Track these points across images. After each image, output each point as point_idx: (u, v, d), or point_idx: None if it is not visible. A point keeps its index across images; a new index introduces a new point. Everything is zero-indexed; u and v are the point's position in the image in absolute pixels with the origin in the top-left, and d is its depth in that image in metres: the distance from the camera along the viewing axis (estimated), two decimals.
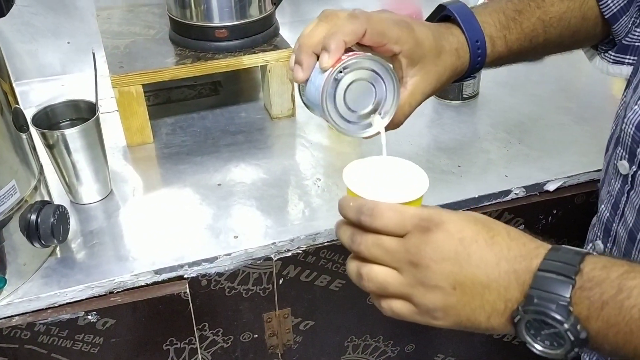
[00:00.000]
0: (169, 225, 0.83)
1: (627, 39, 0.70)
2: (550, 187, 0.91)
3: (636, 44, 0.71)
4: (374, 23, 0.53)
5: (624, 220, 0.60)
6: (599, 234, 0.66)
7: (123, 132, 0.98)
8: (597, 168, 0.92)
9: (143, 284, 0.76)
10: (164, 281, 0.77)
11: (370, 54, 0.52)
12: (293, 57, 0.55)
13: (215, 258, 0.78)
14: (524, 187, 0.89)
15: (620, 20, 0.67)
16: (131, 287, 0.76)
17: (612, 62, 0.73)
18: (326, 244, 0.82)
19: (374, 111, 0.54)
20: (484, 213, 0.88)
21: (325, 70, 0.51)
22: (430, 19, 0.66)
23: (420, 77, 0.57)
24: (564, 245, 0.46)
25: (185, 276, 0.78)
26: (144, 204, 0.87)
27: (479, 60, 0.62)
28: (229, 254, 0.79)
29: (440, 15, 0.64)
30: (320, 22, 0.54)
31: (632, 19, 0.68)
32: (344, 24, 0.52)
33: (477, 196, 0.87)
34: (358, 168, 0.54)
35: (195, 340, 0.81)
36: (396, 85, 0.54)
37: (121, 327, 0.76)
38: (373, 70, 0.53)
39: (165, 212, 0.85)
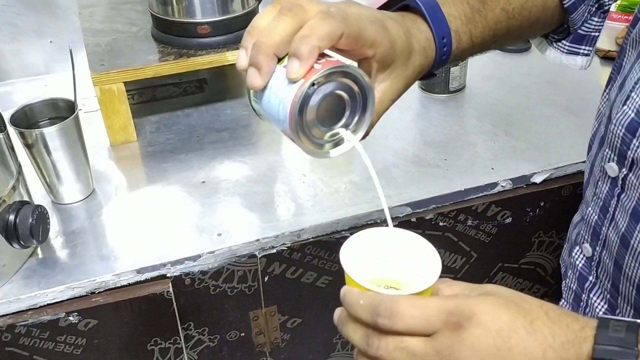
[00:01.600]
0: (152, 224, 0.82)
1: (582, 28, 0.69)
2: (537, 179, 0.90)
3: (592, 34, 0.69)
4: (351, 24, 0.46)
5: (615, 224, 0.59)
6: (586, 237, 0.65)
7: (105, 130, 0.97)
8: (584, 159, 0.91)
9: (125, 283, 0.75)
10: (146, 280, 0.76)
11: (347, 64, 0.47)
12: (244, 54, 0.46)
13: (199, 256, 0.77)
14: (510, 179, 0.89)
15: (579, 9, 0.66)
16: (113, 287, 0.75)
17: (566, 53, 0.71)
18: (311, 240, 0.82)
19: (344, 126, 0.49)
20: (470, 206, 0.90)
21: (294, 82, 0.44)
22: (388, 6, 0.58)
23: (389, 82, 0.52)
24: (610, 318, 0.41)
25: (169, 275, 0.77)
26: (127, 203, 0.86)
27: (443, 58, 0.57)
28: (213, 252, 0.78)
29: (401, 4, 0.57)
30: (282, 15, 0.45)
31: (589, 7, 0.67)
32: (318, 26, 0.44)
33: (463, 189, 0.86)
34: (355, 248, 0.49)
35: (181, 340, 0.80)
36: (371, 98, 0.49)
37: (104, 328, 0.75)
38: (350, 83, 0.47)
39: (148, 211, 0.84)
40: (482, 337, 0.39)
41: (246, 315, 0.85)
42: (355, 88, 0.48)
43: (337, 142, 0.50)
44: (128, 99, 1.05)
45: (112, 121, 0.96)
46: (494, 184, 0.88)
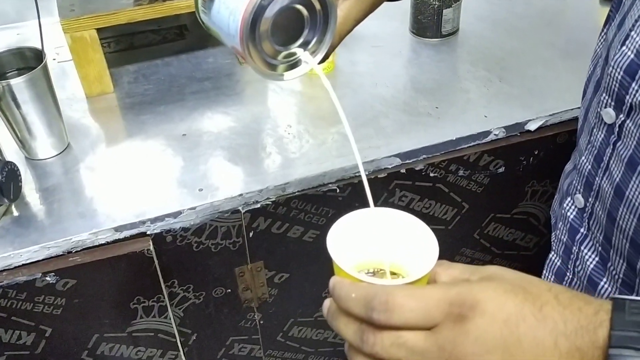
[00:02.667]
0: (130, 179, 0.79)
1: None
2: (532, 126, 0.86)
3: None
4: None
5: (609, 174, 0.56)
6: (578, 187, 0.62)
7: (80, 81, 0.92)
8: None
9: (103, 242, 0.72)
10: (125, 239, 0.73)
11: None
12: None
13: (179, 212, 0.74)
14: (504, 127, 0.85)
15: None
16: (90, 245, 0.72)
17: None
18: (297, 193, 0.79)
19: (302, 46, 0.45)
20: (462, 156, 0.86)
21: None
22: None
23: (354, 1, 0.48)
24: (626, 299, 0.37)
25: (149, 232, 0.74)
26: (104, 158, 0.82)
27: None
28: (194, 208, 0.74)
29: None
30: None
31: None
32: None
33: (455, 138, 0.83)
34: (343, 233, 0.45)
35: (164, 298, 0.78)
36: (334, 15, 0.45)
37: (83, 288, 0.73)
38: None
39: (126, 166, 0.81)
40: (487, 327, 0.36)
41: (232, 271, 0.83)
42: (316, 3, 0.43)
43: (294, 64, 0.46)
44: (103, 47, 1.00)
45: (86, 71, 0.91)
46: (487, 133, 0.85)
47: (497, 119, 0.86)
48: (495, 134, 0.85)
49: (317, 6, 0.43)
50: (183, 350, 0.88)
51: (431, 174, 0.84)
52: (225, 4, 0.42)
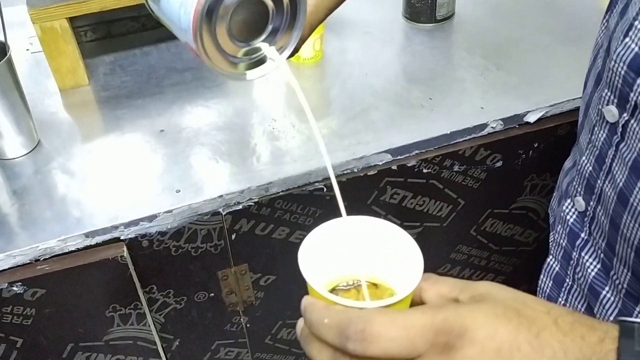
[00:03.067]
0: (104, 180, 0.74)
1: None
2: (531, 118, 0.81)
3: None
4: None
5: (612, 177, 0.51)
6: (579, 189, 0.57)
7: (52, 74, 0.87)
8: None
9: (73, 249, 0.68)
10: (97, 245, 0.69)
11: None
12: None
13: (155, 216, 0.69)
14: (501, 119, 0.80)
15: None
16: (60, 253, 0.67)
17: None
18: (281, 193, 0.74)
19: (267, 41, 0.40)
20: (456, 151, 0.81)
21: None
22: None
23: None
24: (635, 322, 0.33)
25: (122, 238, 0.69)
26: (76, 157, 0.77)
27: None
28: (170, 211, 0.70)
29: None
30: None
31: None
32: None
33: (449, 132, 0.78)
34: (316, 246, 0.40)
35: (142, 305, 0.74)
36: (303, 5, 0.39)
37: (54, 297, 0.69)
38: None
39: (100, 166, 0.76)
40: (477, 358, 0.32)
41: (214, 275, 0.79)
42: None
43: (257, 61, 0.40)
44: (80, 35, 0.95)
45: (58, 63, 0.86)
46: (483, 126, 0.80)
47: (494, 110, 0.81)
48: (492, 127, 0.80)
49: None
50: (166, 356, 0.84)
51: (424, 170, 0.79)
52: None
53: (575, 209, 0.58)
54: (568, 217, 0.59)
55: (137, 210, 0.70)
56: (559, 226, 0.61)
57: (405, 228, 0.81)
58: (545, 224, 0.96)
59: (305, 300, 0.37)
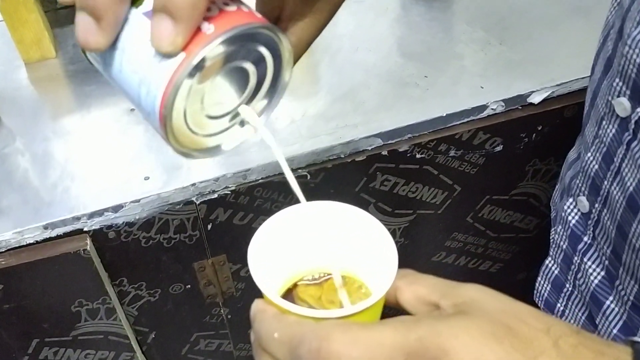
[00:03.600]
0: (67, 164, 0.68)
1: None
2: (535, 98, 0.75)
3: None
4: None
5: (621, 180, 0.44)
6: (583, 188, 0.51)
7: (15, 46, 0.80)
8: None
9: (31, 241, 0.62)
10: (58, 237, 0.63)
11: (257, 21, 0.30)
12: None
13: (121, 206, 0.64)
14: (502, 100, 0.73)
15: None
16: (16, 246, 0.62)
17: None
18: (260, 181, 0.68)
19: (244, 103, 0.33)
20: (453, 135, 0.75)
21: (172, 56, 0.28)
22: None
23: (309, 19, 0.35)
24: None
25: (86, 229, 0.64)
26: (37, 138, 0.71)
27: None
28: (138, 201, 0.64)
29: None
30: None
31: None
32: None
33: (445, 115, 0.71)
34: (271, 239, 0.36)
35: (111, 300, 0.69)
36: (287, 61, 0.32)
37: (12, 293, 0.63)
38: (258, 48, 0.31)
39: (63, 149, 0.70)
40: None
41: (190, 266, 0.73)
42: (266, 52, 0.31)
43: (231, 127, 0.34)
44: (47, 3, 0.87)
45: (20, 34, 0.79)
46: (483, 107, 0.73)
47: (495, 90, 0.74)
48: (492, 109, 0.73)
49: (267, 54, 0.31)
50: (141, 349, 0.80)
51: (417, 155, 0.73)
52: (131, 64, 0.29)
53: (578, 210, 0.52)
54: (570, 217, 0.53)
55: (102, 199, 0.64)
56: (560, 226, 0.55)
57: (397, 216, 0.75)
58: (547, 210, 0.90)
59: (255, 307, 0.32)
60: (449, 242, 0.88)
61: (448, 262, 0.91)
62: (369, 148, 0.70)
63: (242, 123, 0.34)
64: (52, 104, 0.76)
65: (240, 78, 0.31)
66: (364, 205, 0.75)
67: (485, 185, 0.82)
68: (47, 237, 0.62)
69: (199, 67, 0.28)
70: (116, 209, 0.63)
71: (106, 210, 0.63)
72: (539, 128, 0.77)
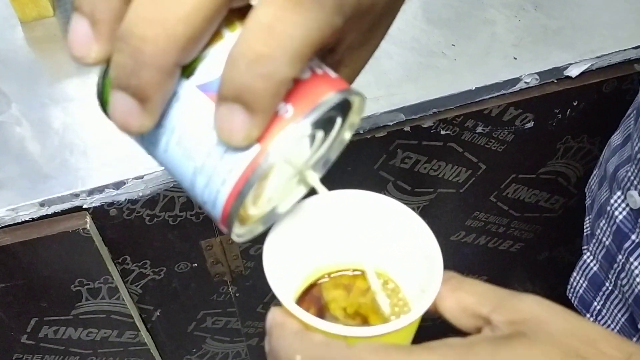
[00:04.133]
0: (65, 136, 0.63)
1: None
2: (573, 71, 0.69)
3: None
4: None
5: None
6: (635, 181, 0.46)
7: (10, 3, 0.74)
8: (638, 44, 0.69)
9: (27, 219, 0.58)
10: (55, 214, 0.59)
11: (342, 89, 0.24)
12: (88, 37, 0.23)
13: (123, 183, 0.59)
14: (537, 73, 0.67)
15: None
16: (11, 223, 0.58)
17: None
18: None
19: (306, 167, 0.30)
20: (481, 110, 0.69)
21: (243, 149, 0.23)
22: None
23: (368, 47, 0.30)
24: None
25: (85, 207, 0.59)
26: (32, 106, 0.66)
27: None
28: (141, 177, 0.59)
29: None
30: None
31: None
32: (290, 18, 0.21)
33: (474, 88, 0.66)
34: (288, 238, 0.31)
35: (113, 279, 0.65)
36: (352, 122, 0.29)
37: (8, 272, 0.60)
38: (334, 114, 0.27)
39: (61, 118, 0.65)
40: None
41: (197, 244, 0.69)
42: (336, 114, 0.27)
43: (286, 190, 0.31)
44: None
45: None
46: (515, 80, 0.67)
47: (530, 62, 0.68)
48: (526, 82, 0.67)
49: (335, 116, 0.28)
50: (146, 327, 0.77)
51: (442, 132, 0.67)
52: (180, 147, 0.24)
53: (627, 205, 0.47)
54: (617, 212, 0.48)
55: (102, 175, 0.59)
56: (603, 221, 0.50)
57: (416, 195, 0.69)
58: (576, 190, 0.85)
59: (271, 319, 0.27)
60: (469, 222, 0.83)
61: (467, 241, 0.86)
62: (390, 123, 0.65)
63: (300, 181, 0.30)
64: (50, 66, 0.71)
65: (305, 144, 0.28)
66: (382, 183, 0.70)
67: (512, 164, 0.76)
68: (44, 214, 0.58)
69: (272, 157, 0.23)
70: (118, 185, 0.59)
71: (107, 186, 0.59)
72: (574, 104, 0.71)
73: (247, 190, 0.24)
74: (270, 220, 0.31)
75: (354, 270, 0.35)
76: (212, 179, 0.24)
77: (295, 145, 0.24)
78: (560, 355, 0.23)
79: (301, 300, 0.34)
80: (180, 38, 0.21)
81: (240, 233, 0.29)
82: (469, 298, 0.27)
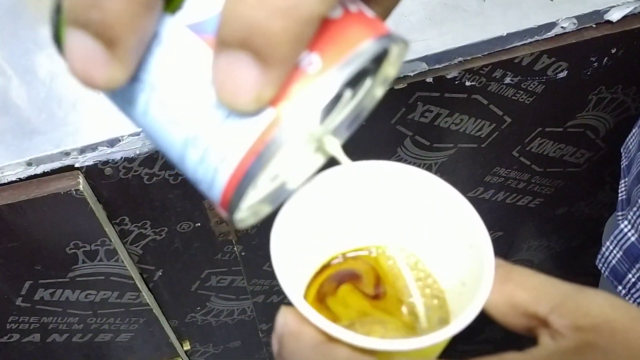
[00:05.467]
0: (50, 86, 0.57)
1: None
2: (615, 15, 0.62)
3: None
4: None
5: None
6: None
7: None
8: None
9: (14, 179, 0.53)
10: (45, 174, 0.54)
11: (377, 37, 0.19)
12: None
13: (118, 140, 0.54)
14: (575, 17, 0.61)
15: None
16: None
17: None
18: None
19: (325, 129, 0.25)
20: (512, 58, 0.63)
21: (252, 114, 0.18)
22: None
23: None
24: None
25: (77, 165, 0.54)
26: (17, 52, 0.60)
27: None
28: (137, 134, 0.54)
29: None
30: None
31: None
32: None
33: (505, 34, 0.59)
34: (300, 220, 0.27)
35: (111, 241, 0.61)
36: (385, 76, 0.25)
37: None
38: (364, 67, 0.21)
39: (45, 65, 0.59)
40: None
41: (200, 204, 0.65)
42: (371, 67, 0.23)
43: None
44: None
45: None
46: (551, 25, 0.60)
47: (568, 3, 0.61)
48: (562, 27, 0.61)
49: (370, 69, 0.23)
50: (147, 287, 0.73)
51: (467, 83, 0.61)
52: (164, 108, 0.19)
53: None
54: None
55: (95, 131, 0.54)
56: None
57: (435, 150, 0.64)
58: (604, 143, 0.79)
59: (282, 324, 0.23)
60: (489, 177, 0.78)
61: (485, 197, 0.82)
62: (411, 74, 0.59)
63: (317, 150, 0.25)
64: (34, 7, 0.64)
65: (329, 105, 0.22)
66: (400, 138, 0.65)
67: (540, 117, 0.71)
68: (32, 174, 0.53)
69: (288, 130, 0.18)
70: (112, 142, 0.54)
71: (100, 144, 0.53)
72: (613, 51, 0.65)
73: (255, 171, 0.19)
74: (279, 199, 0.26)
75: (377, 248, 0.31)
76: (209, 153, 0.19)
77: (321, 109, 0.19)
78: None
79: (313, 292, 0.30)
80: None
81: (242, 218, 0.24)
82: (521, 293, 0.23)
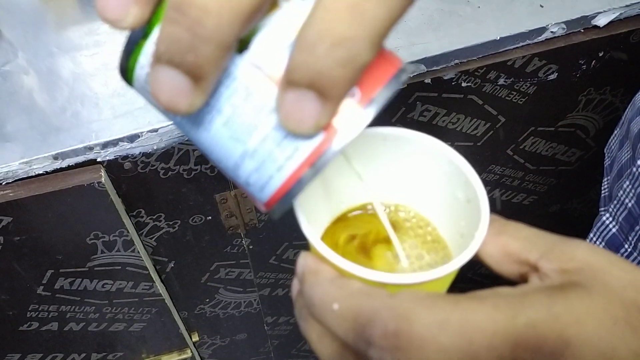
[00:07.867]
0: (73, 86, 0.61)
1: None
2: (601, 20, 0.66)
3: None
4: None
5: None
6: None
7: None
8: None
9: (41, 172, 0.57)
10: (70, 167, 0.58)
11: (398, 69, 0.23)
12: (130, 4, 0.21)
13: (137, 136, 0.58)
14: (564, 22, 0.65)
15: None
16: (25, 177, 0.57)
17: None
18: None
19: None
20: (505, 61, 0.67)
21: (307, 137, 0.22)
22: None
23: None
24: None
25: (99, 160, 0.58)
26: (42, 53, 0.64)
27: None
28: (156, 130, 0.58)
29: None
30: None
31: None
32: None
33: (498, 38, 0.63)
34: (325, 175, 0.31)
35: (129, 232, 0.65)
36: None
37: (23, 225, 0.59)
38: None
39: (69, 67, 0.63)
40: None
41: (211, 198, 0.68)
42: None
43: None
44: None
45: None
46: (541, 30, 0.64)
47: (557, 10, 0.65)
48: (552, 32, 0.65)
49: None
50: (160, 278, 0.77)
51: (463, 84, 0.65)
52: (228, 128, 0.23)
53: None
54: None
55: (116, 127, 0.58)
56: (627, 182, 0.49)
57: None
58: (594, 142, 0.83)
59: (303, 264, 0.26)
60: (484, 175, 0.82)
61: None
62: (411, 75, 0.63)
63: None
64: (56, 12, 0.68)
65: None
66: None
67: (532, 116, 0.75)
68: (58, 167, 0.57)
69: (337, 147, 0.22)
70: (132, 138, 0.58)
71: (121, 140, 0.57)
72: (600, 54, 0.69)
73: (307, 179, 0.23)
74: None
75: (386, 207, 0.34)
76: (266, 164, 0.23)
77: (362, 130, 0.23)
78: (620, 308, 0.21)
79: (327, 236, 0.33)
80: (245, 9, 0.19)
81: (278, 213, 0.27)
82: (514, 243, 0.25)
